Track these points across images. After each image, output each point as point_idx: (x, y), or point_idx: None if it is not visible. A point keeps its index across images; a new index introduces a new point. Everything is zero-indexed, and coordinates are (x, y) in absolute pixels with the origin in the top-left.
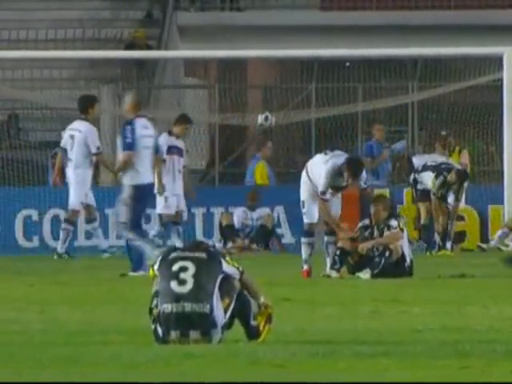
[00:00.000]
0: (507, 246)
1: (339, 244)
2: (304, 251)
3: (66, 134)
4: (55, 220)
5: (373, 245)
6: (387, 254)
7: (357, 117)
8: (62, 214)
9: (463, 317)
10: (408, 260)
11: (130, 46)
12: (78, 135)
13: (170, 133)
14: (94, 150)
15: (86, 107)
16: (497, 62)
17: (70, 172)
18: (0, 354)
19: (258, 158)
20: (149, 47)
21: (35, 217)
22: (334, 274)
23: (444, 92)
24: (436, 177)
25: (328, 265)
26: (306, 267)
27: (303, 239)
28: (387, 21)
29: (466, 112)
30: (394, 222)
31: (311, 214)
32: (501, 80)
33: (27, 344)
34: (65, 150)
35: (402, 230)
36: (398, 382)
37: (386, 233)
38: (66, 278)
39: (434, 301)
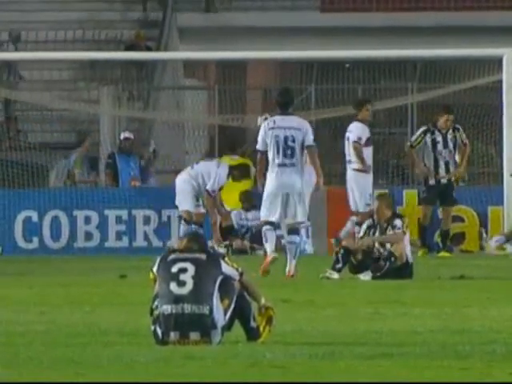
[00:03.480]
0: (504, 249)
1: (343, 243)
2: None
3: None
4: (55, 221)
5: (373, 240)
6: (392, 259)
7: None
8: (62, 216)
9: (463, 318)
10: (409, 263)
11: (130, 48)
12: (351, 136)
13: None
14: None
15: (359, 108)
16: (496, 64)
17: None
18: (1, 355)
19: None
20: (148, 49)
21: (35, 218)
22: (334, 275)
23: (443, 93)
24: None
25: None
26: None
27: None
28: (387, 22)
29: (466, 113)
30: (398, 222)
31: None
32: (500, 81)
33: (28, 345)
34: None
35: (404, 232)
36: (398, 383)
37: (389, 233)
38: (66, 280)
39: (434, 302)
